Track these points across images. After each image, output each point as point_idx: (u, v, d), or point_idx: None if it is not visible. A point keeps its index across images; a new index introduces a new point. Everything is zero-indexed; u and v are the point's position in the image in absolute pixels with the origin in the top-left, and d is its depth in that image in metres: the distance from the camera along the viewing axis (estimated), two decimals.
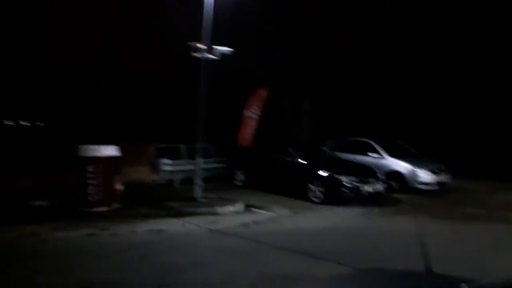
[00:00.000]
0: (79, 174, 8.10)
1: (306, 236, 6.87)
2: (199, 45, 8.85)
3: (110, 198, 8.22)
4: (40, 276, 4.79)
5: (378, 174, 10.32)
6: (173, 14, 16.36)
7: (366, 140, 12.56)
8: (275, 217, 8.21)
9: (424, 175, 11.27)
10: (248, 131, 12.50)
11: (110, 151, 8.28)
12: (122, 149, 8.67)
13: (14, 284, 4.53)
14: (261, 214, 8.43)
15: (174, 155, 13.37)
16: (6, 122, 24.21)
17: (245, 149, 12.25)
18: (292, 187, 10.28)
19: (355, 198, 9.59)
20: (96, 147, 8.13)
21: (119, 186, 8.54)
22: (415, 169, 11.34)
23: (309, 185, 9.83)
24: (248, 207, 8.89)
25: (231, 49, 9.08)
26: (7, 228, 6.76)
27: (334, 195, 9.58)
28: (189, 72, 9.79)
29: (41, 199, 8.51)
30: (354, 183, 9.58)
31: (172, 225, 7.34)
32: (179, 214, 8.04)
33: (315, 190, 9.74)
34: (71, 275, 4.81)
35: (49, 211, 8.06)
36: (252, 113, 12.54)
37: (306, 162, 10.38)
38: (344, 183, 9.53)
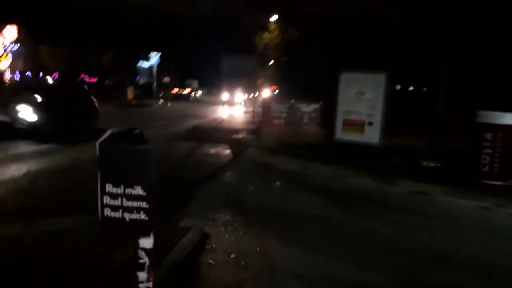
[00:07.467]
0: (474, 141, 7.49)
1: None
2: None
3: (507, 172, 7.18)
4: (429, 234, 4.78)
5: None
6: None
7: None
8: None
9: None
10: None
11: None
12: None
13: (403, 237, 4.75)
14: None
15: None
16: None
17: None
18: None
19: None
20: (499, 113, 7.18)
21: None
22: None
23: None
24: None
25: None
26: (397, 182, 7.34)
27: None
28: None
29: (431, 160, 8.68)
30: None
31: None
32: None
33: None
34: (463, 245, 4.50)
35: (438, 173, 8.09)
36: None
37: None
38: None
